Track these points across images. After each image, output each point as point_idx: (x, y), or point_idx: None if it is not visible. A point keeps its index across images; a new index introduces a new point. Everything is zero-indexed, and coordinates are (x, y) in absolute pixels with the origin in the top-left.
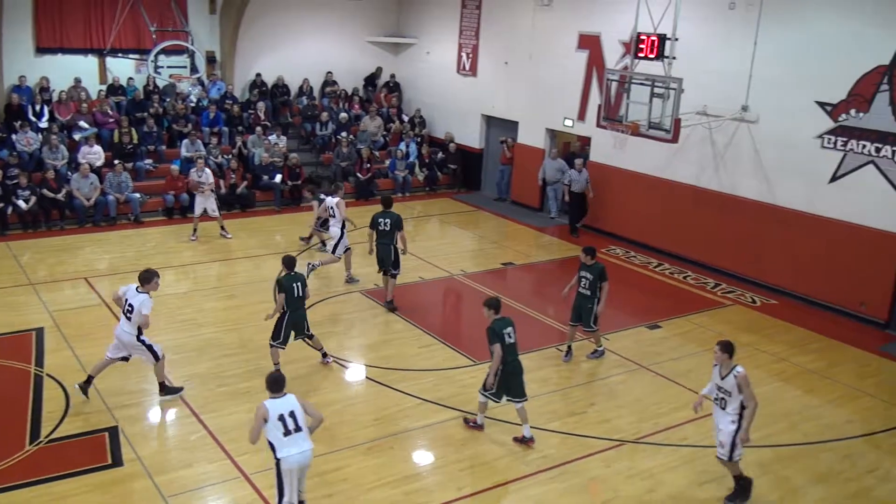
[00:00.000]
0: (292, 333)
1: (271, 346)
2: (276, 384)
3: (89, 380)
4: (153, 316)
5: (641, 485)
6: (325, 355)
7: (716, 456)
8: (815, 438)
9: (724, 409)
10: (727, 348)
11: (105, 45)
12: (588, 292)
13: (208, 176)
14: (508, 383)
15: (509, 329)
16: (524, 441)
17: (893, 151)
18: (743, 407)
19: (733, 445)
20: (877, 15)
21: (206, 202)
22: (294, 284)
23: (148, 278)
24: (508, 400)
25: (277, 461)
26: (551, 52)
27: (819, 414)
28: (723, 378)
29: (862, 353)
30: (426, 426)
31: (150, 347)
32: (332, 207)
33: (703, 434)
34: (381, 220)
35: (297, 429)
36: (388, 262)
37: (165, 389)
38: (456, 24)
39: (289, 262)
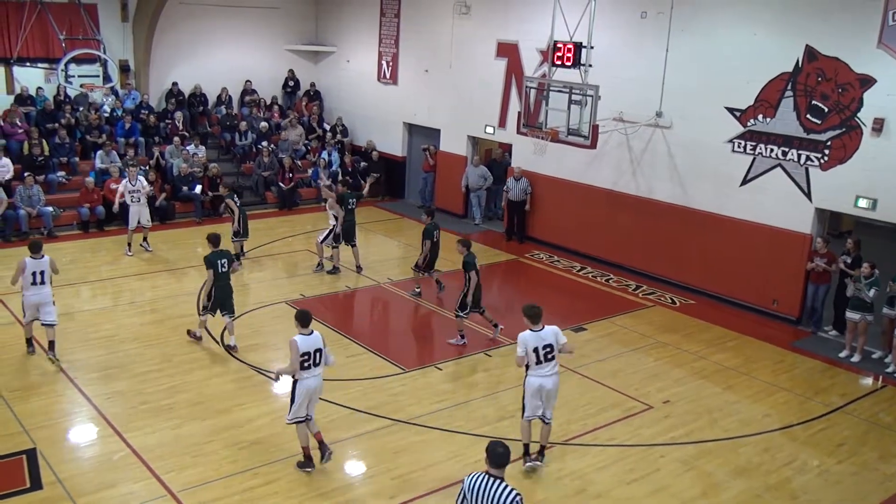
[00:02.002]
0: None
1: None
2: (34, 247)
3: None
4: (70, 333)
5: (571, 485)
6: (230, 348)
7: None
8: (735, 433)
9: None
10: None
11: (11, 54)
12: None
13: (142, 183)
14: (223, 302)
15: (224, 261)
16: (231, 349)
17: (799, 155)
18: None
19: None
20: (778, 24)
21: (140, 213)
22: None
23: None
24: (223, 314)
25: (23, 297)
26: (471, 60)
27: (738, 409)
28: None
29: (776, 349)
30: (356, 436)
31: None
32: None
33: (631, 433)
34: (350, 199)
35: (42, 282)
36: (353, 236)
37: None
38: (375, 33)
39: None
